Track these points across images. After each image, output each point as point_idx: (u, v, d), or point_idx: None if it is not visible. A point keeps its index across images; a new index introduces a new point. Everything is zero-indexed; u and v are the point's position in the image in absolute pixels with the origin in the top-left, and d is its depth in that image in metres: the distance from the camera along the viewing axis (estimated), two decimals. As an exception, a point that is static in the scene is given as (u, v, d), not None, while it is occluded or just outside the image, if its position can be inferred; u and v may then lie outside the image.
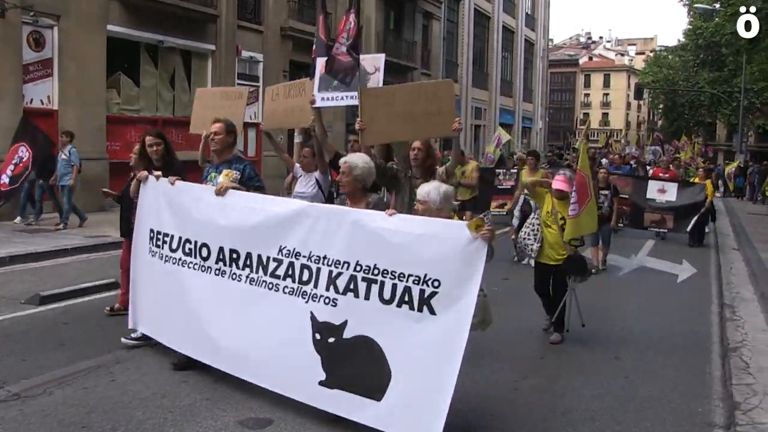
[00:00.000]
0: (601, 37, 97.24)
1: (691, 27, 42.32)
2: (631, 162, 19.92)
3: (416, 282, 3.60)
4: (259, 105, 16.97)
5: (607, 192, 9.44)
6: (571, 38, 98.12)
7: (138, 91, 15.63)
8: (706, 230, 13.10)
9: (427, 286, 3.57)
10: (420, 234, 3.67)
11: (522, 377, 5.05)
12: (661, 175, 13.01)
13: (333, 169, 5.43)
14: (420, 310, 3.59)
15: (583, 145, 5.58)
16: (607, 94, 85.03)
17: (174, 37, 16.00)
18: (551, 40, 74.90)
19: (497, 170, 13.19)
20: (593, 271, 9.09)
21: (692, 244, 12.30)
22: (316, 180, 5.79)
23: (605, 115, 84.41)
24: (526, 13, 42.49)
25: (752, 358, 5.61)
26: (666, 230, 12.24)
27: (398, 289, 3.66)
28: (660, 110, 55.20)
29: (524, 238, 5.97)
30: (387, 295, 3.70)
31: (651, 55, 60.96)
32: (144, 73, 15.77)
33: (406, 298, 3.63)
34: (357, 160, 4.28)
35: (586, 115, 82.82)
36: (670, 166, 15.09)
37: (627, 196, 11.84)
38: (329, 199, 5.81)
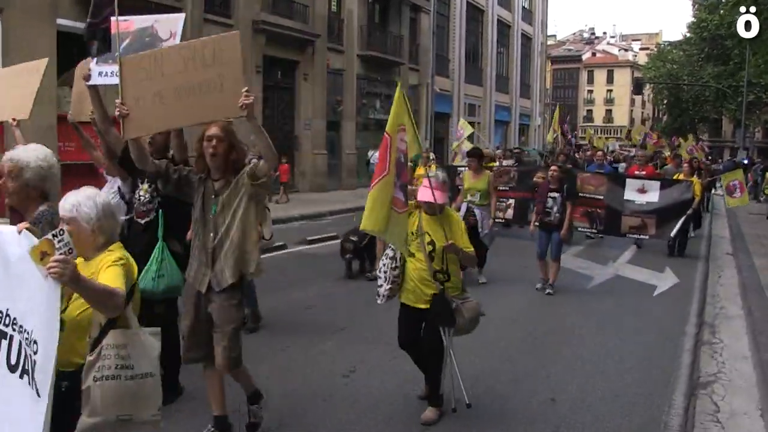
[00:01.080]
0: (605, 33, 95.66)
1: (695, 20, 41.18)
2: (621, 158, 18.80)
3: (27, 342, 2.35)
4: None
5: (556, 195, 7.85)
6: (574, 34, 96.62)
7: (93, 89, 14.71)
8: (691, 234, 11.81)
9: (31, 348, 2.32)
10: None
11: (423, 429, 4.05)
12: (637, 172, 11.39)
13: (122, 167, 4.34)
14: (32, 385, 2.32)
15: (398, 87, 3.95)
16: (610, 91, 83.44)
17: (133, 30, 15.12)
18: (554, 35, 73.80)
19: (459, 168, 11.32)
20: (547, 290, 7.75)
21: (674, 254, 10.82)
22: (118, 187, 4.56)
23: (608, 111, 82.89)
24: (523, 7, 41.35)
25: (725, 398, 4.63)
26: (647, 237, 10.51)
27: (23, 349, 2.38)
28: (664, 106, 53.87)
29: (375, 276, 4.33)
30: (13, 357, 2.44)
31: (655, 50, 59.56)
32: (101, 70, 14.90)
33: (26, 366, 2.36)
34: (28, 156, 2.95)
35: (589, 111, 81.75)
36: (649, 162, 13.79)
37: (601, 197, 10.36)
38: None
